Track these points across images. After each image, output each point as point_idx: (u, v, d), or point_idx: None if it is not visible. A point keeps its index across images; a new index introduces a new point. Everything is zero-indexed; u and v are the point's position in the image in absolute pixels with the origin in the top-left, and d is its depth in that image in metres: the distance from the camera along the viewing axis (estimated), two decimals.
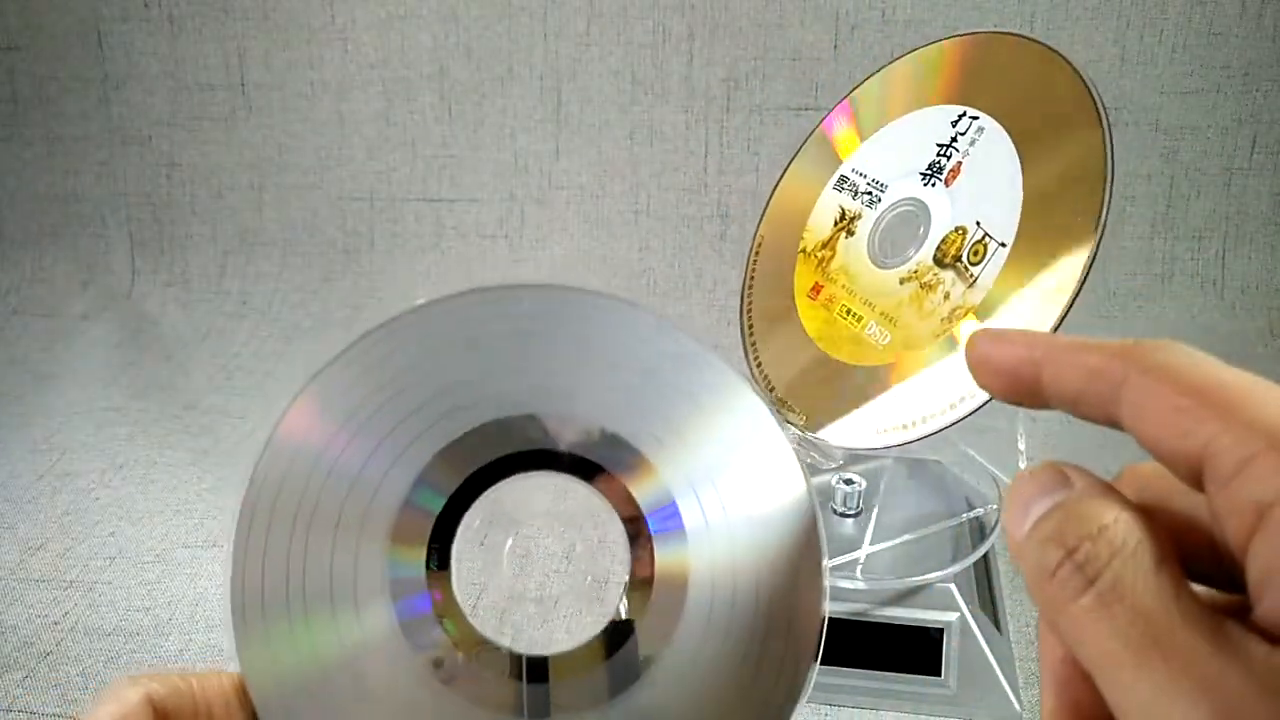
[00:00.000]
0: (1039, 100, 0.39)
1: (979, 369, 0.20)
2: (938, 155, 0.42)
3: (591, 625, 0.21)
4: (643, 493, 0.22)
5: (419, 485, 0.22)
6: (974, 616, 0.42)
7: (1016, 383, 0.20)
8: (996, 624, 0.45)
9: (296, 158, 0.85)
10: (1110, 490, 0.18)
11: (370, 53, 0.83)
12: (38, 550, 0.55)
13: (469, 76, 0.83)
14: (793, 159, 0.48)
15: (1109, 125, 0.36)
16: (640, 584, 0.22)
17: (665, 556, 0.22)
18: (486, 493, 0.22)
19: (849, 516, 0.45)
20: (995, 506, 0.46)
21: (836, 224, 0.45)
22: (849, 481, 0.45)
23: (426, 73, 0.83)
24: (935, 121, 0.42)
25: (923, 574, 0.41)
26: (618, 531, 0.22)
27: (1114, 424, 0.18)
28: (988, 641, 0.42)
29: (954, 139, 0.41)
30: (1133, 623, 0.16)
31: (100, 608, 0.50)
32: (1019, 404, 0.20)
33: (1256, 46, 0.74)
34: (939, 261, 0.40)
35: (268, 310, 0.84)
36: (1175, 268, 0.77)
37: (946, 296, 0.39)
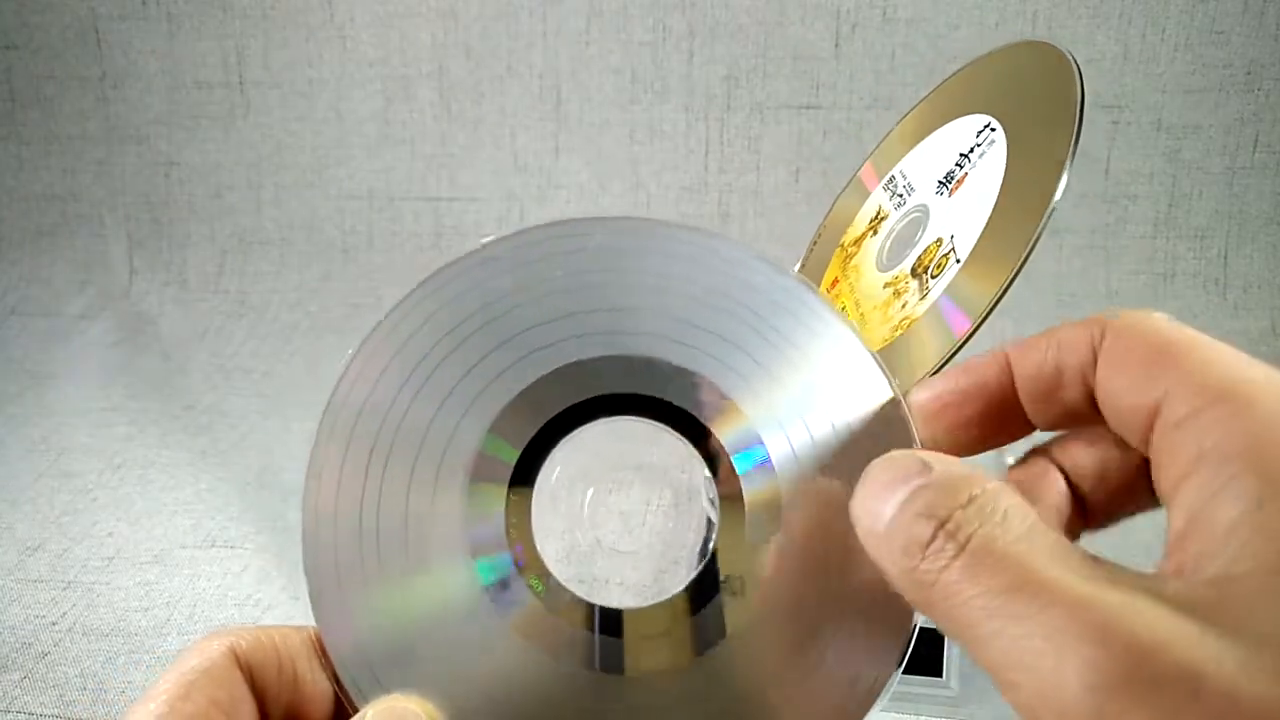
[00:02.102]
0: (1037, 115, 0.39)
1: (938, 414, 0.20)
2: (955, 164, 0.42)
3: (674, 580, 0.21)
4: (728, 434, 0.21)
5: (493, 435, 0.21)
6: None
7: (984, 406, 0.20)
8: None
9: (295, 156, 0.85)
10: (974, 469, 0.18)
11: (369, 51, 0.83)
12: (36, 551, 0.55)
13: (468, 75, 0.82)
14: (874, 149, 0.48)
15: (1075, 151, 0.35)
16: (729, 527, 0.21)
17: (754, 497, 0.21)
18: (564, 441, 0.21)
19: None
20: None
21: (870, 222, 0.45)
22: None
23: (426, 71, 0.83)
24: (968, 129, 0.42)
25: None
26: (702, 477, 0.21)
27: (1090, 401, 0.19)
28: None
29: (973, 148, 0.41)
30: (1001, 572, 0.15)
31: (98, 608, 0.50)
32: (981, 443, 0.20)
33: (1259, 45, 0.74)
34: (913, 270, 0.40)
35: (266, 309, 0.84)
36: (1177, 267, 0.77)
37: (904, 305, 0.39)
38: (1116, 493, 0.20)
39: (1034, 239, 0.34)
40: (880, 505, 0.18)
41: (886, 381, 0.21)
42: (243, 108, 0.85)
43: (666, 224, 0.22)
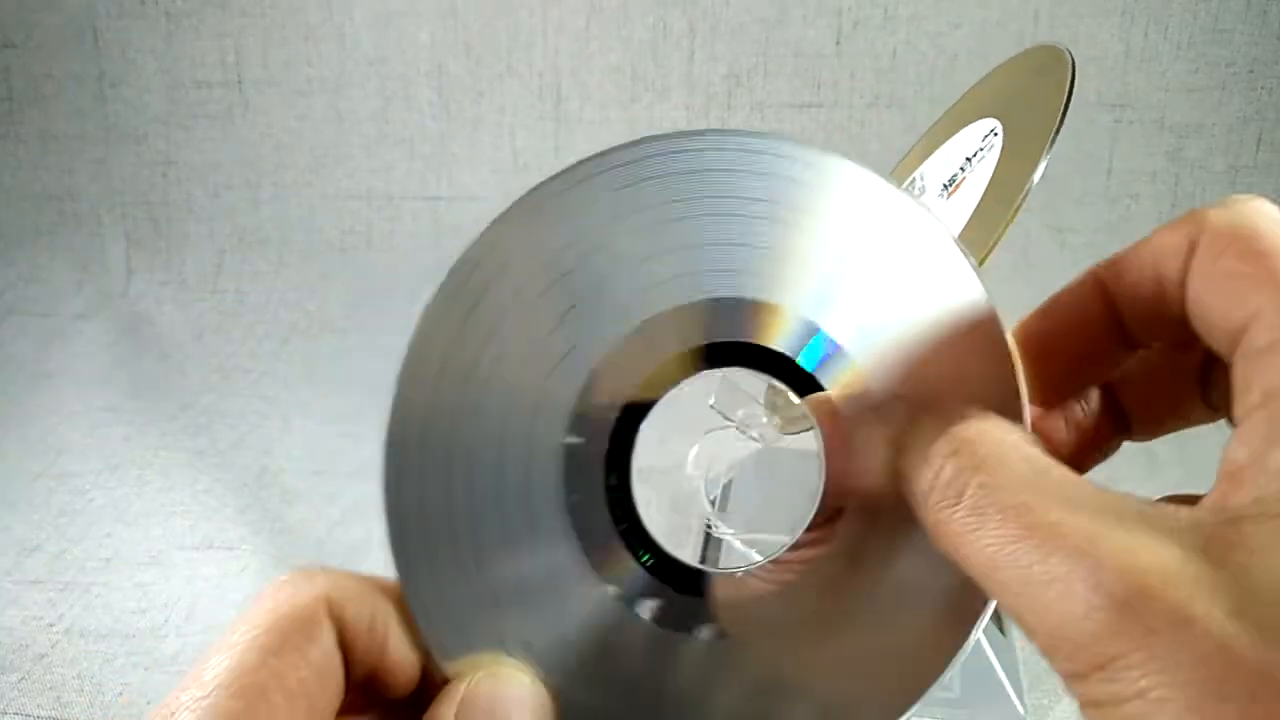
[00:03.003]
0: (1032, 113, 0.39)
1: (1042, 360, 0.19)
2: (959, 168, 0.42)
3: (774, 540, 0.20)
4: (776, 337, 0.19)
5: (586, 393, 0.19)
6: None
7: (1083, 337, 0.18)
8: (1001, 628, 0.45)
9: (293, 156, 0.85)
10: (982, 411, 0.17)
11: (368, 49, 0.83)
12: (33, 552, 0.55)
13: (468, 73, 0.82)
14: (907, 153, 0.47)
15: (1053, 140, 0.35)
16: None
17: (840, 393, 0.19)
18: (665, 395, 0.20)
19: None
20: None
21: None
22: None
23: (425, 70, 0.82)
24: (977, 134, 0.42)
25: None
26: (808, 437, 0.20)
27: (1194, 308, 0.17)
28: (992, 645, 0.41)
29: (977, 152, 0.41)
30: (1004, 520, 0.15)
31: (96, 610, 0.50)
32: (1098, 375, 0.18)
33: (1262, 43, 0.74)
34: None
35: (264, 309, 0.83)
36: None
37: None
38: (1164, 403, 0.19)
39: (1001, 229, 0.34)
40: (915, 463, 0.18)
41: (966, 261, 0.19)
42: (241, 107, 0.85)
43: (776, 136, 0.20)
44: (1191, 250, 0.17)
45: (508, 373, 0.19)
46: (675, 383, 0.20)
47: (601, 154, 0.21)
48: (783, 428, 0.41)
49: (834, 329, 0.19)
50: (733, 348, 0.20)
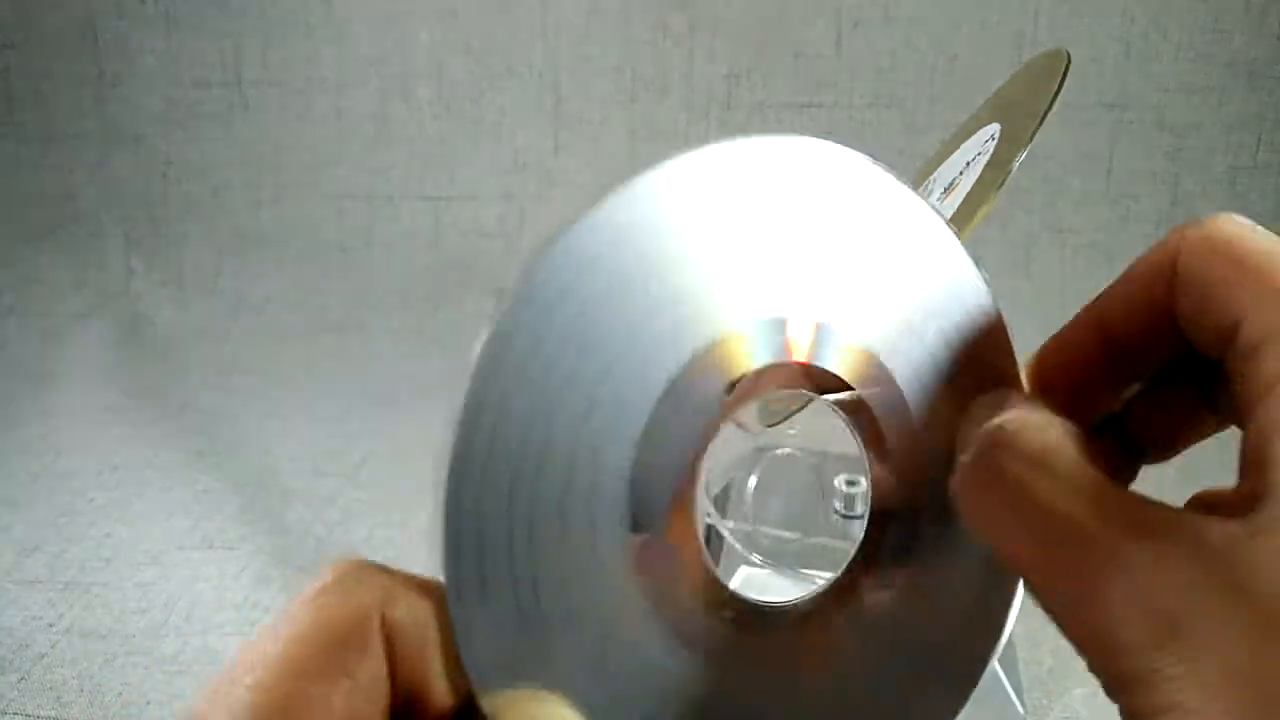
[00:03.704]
0: (1027, 113, 0.39)
1: (1052, 373, 0.19)
2: (960, 172, 0.42)
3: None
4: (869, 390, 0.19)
5: (644, 442, 0.18)
6: None
7: (1088, 371, 0.19)
8: None
9: (293, 155, 0.85)
10: (1032, 402, 0.18)
11: (368, 49, 0.83)
12: (33, 552, 0.55)
13: (467, 73, 0.82)
14: (931, 156, 0.48)
15: (1035, 132, 0.35)
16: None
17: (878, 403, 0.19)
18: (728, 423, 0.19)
19: (853, 519, 0.44)
20: None
21: None
22: (851, 483, 0.44)
23: (424, 69, 0.82)
24: (981, 137, 0.42)
25: None
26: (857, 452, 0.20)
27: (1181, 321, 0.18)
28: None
29: (976, 156, 0.41)
30: (1039, 521, 0.16)
31: (96, 610, 0.50)
32: (1109, 404, 0.19)
33: (1261, 44, 0.74)
34: None
35: (264, 309, 0.83)
36: None
37: None
38: (1172, 421, 0.19)
39: (975, 213, 0.34)
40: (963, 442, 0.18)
41: (976, 270, 0.19)
42: (241, 107, 0.85)
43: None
44: (1174, 269, 0.17)
45: (568, 421, 0.18)
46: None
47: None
48: (766, 419, 0.41)
49: (842, 325, 0.19)
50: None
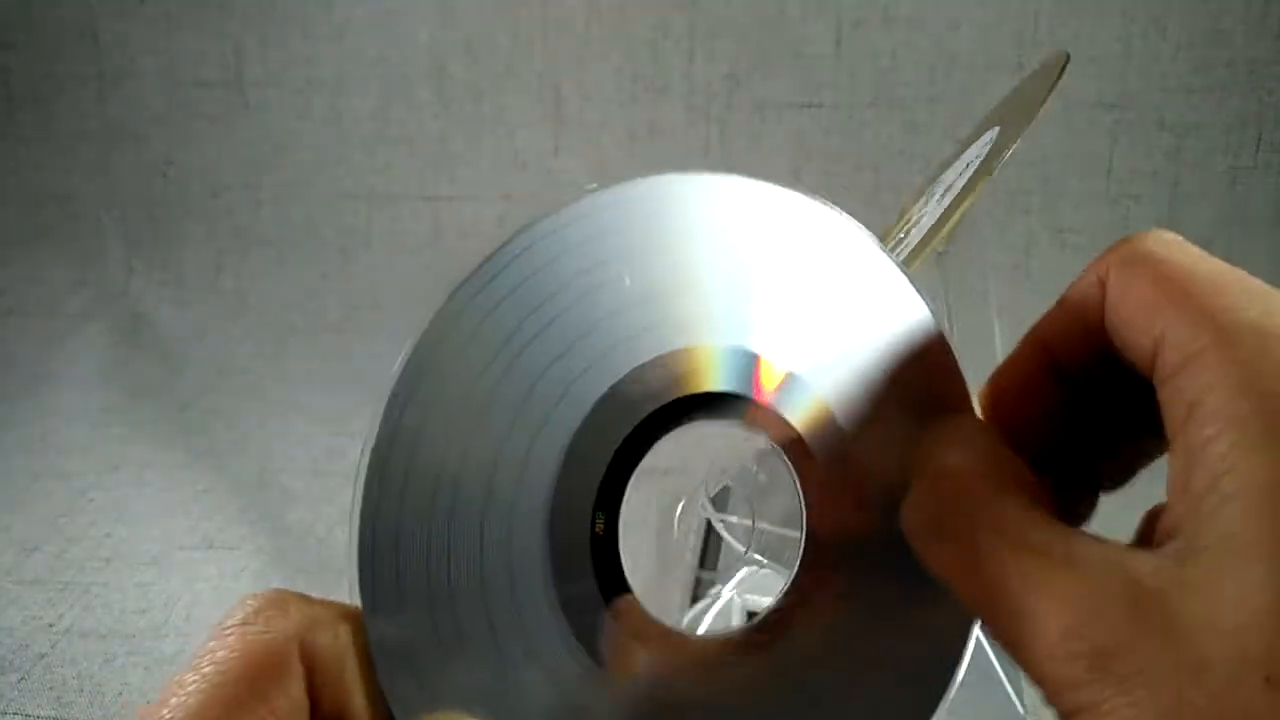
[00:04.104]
0: (1024, 114, 0.39)
1: (1000, 401, 0.19)
2: (959, 174, 0.42)
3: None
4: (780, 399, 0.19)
5: (569, 457, 0.19)
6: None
7: (1037, 396, 0.19)
8: None
9: (293, 155, 0.85)
10: (974, 436, 0.18)
11: (368, 49, 0.83)
12: (33, 552, 0.55)
13: (467, 73, 0.82)
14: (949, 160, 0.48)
15: (1025, 127, 0.35)
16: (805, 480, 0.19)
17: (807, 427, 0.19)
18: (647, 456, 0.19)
19: None
20: None
21: (900, 223, 0.45)
22: None
23: (424, 69, 0.82)
24: (983, 141, 0.42)
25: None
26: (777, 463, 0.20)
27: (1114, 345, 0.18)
28: (991, 643, 0.41)
29: (976, 158, 0.41)
30: (974, 555, 0.16)
31: (96, 610, 0.50)
32: (1066, 433, 0.19)
33: (1260, 44, 0.73)
34: None
35: (264, 309, 0.83)
36: None
37: None
38: (1120, 444, 0.19)
39: (959, 205, 0.34)
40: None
41: (918, 296, 0.19)
42: (241, 106, 0.85)
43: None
44: (1103, 287, 0.17)
45: (489, 441, 0.19)
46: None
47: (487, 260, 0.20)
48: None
49: (776, 356, 0.19)
50: (678, 405, 0.19)
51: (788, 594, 0.19)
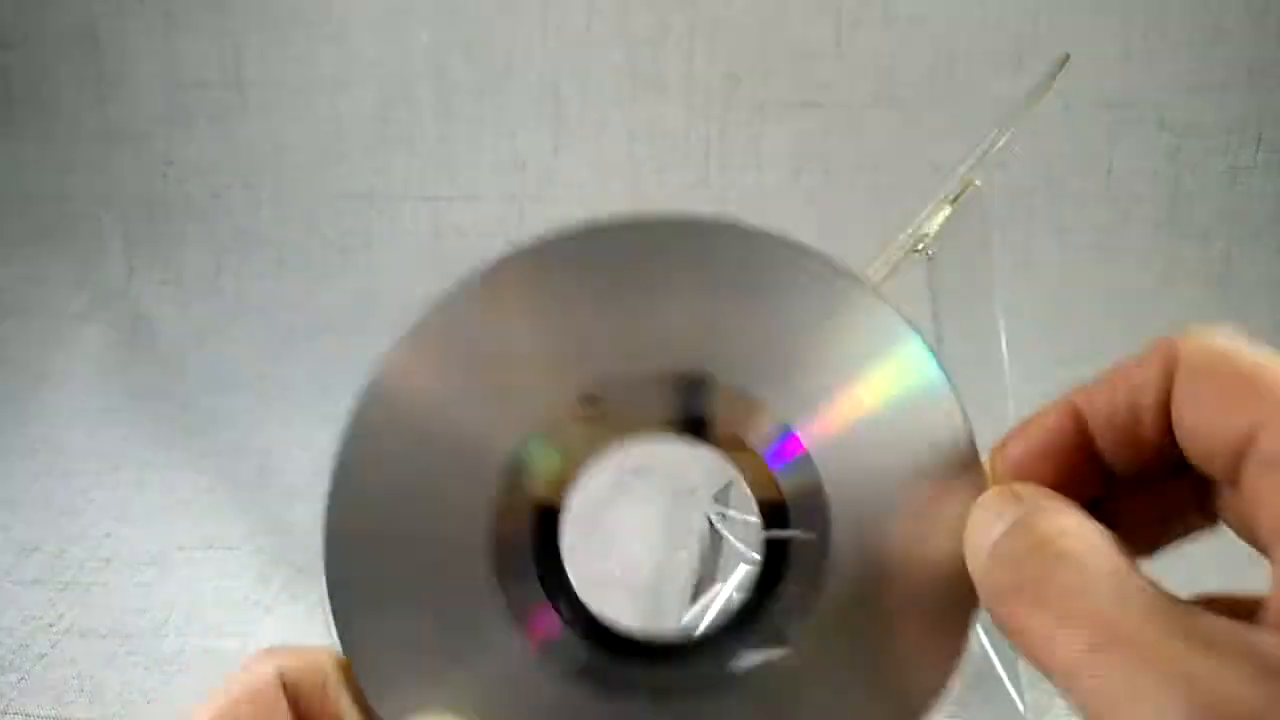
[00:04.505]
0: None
1: (1015, 467, 0.19)
2: (959, 176, 0.41)
3: (719, 600, 0.20)
4: (754, 431, 0.20)
5: (520, 453, 0.20)
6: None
7: (1066, 464, 0.19)
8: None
9: (293, 155, 0.85)
10: (1063, 503, 0.17)
11: (368, 49, 0.83)
12: (33, 552, 0.55)
13: (467, 73, 0.82)
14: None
15: (1012, 123, 0.35)
16: (773, 541, 0.20)
17: (793, 489, 0.20)
18: (591, 466, 0.20)
19: None
20: None
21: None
22: None
23: (424, 69, 0.82)
24: (984, 145, 0.42)
25: None
26: (743, 495, 0.20)
27: (1169, 437, 0.18)
28: (992, 645, 0.41)
29: (975, 159, 0.41)
30: (1092, 627, 0.15)
31: (96, 610, 0.50)
32: (1074, 498, 0.19)
33: (1261, 44, 0.74)
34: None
35: (264, 309, 0.83)
36: (1179, 266, 0.77)
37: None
38: (1159, 522, 0.19)
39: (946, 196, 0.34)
40: (978, 542, 0.18)
41: (941, 373, 0.20)
42: (240, 107, 0.85)
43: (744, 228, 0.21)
44: (1168, 379, 0.17)
45: (450, 433, 0.20)
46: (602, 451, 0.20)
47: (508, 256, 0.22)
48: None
49: (803, 432, 0.20)
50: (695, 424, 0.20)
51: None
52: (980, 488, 0.19)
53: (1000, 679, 0.42)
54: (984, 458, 0.20)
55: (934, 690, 0.19)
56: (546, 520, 0.20)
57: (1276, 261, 0.76)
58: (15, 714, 0.44)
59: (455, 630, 0.20)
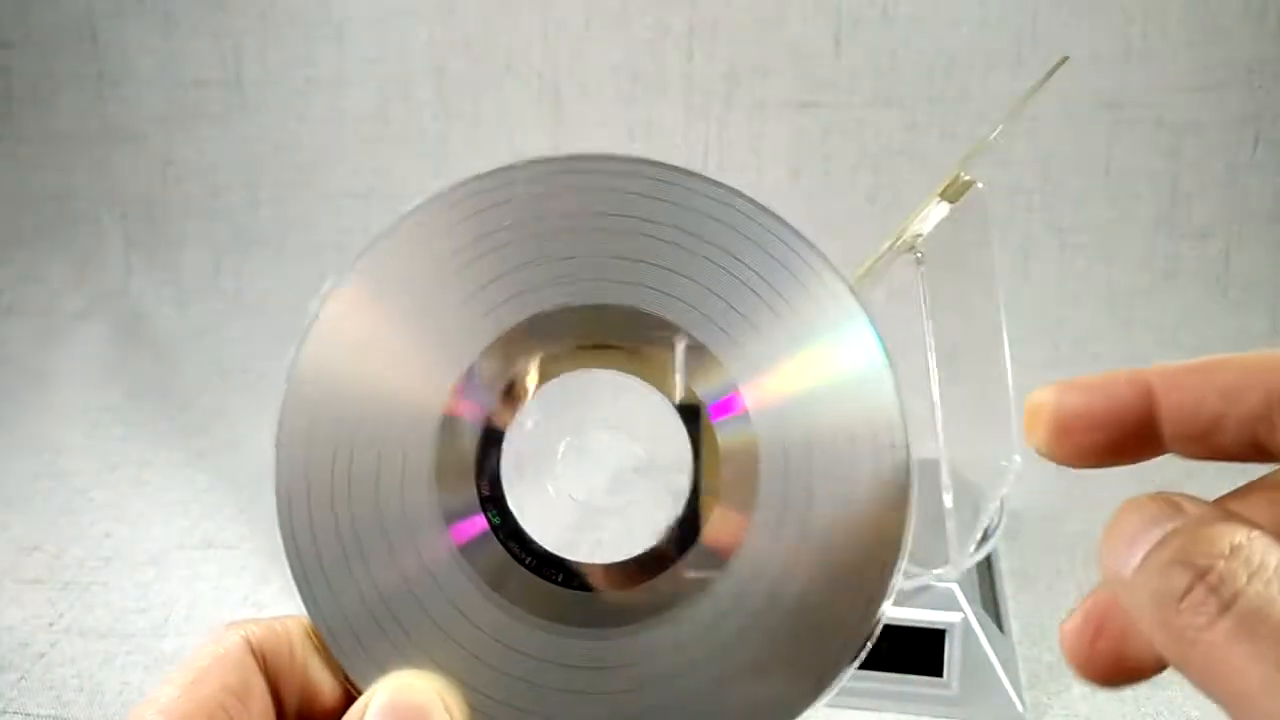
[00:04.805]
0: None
1: (1066, 430, 0.18)
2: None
3: (646, 534, 0.21)
4: (704, 385, 0.21)
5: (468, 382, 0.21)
6: (977, 617, 0.41)
7: (1118, 433, 0.18)
8: (999, 624, 0.45)
9: (293, 155, 0.85)
10: (1233, 514, 0.16)
11: (367, 49, 0.83)
12: (32, 551, 0.55)
13: (467, 73, 0.82)
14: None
15: (1005, 121, 0.35)
16: (707, 482, 0.21)
17: (729, 449, 0.21)
18: (536, 392, 0.21)
19: None
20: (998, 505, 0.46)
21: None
22: None
23: (424, 69, 0.82)
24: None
25: (924, 574, 0.41)
26: (676, 426, 0.21)
27: (1254, 448, 0.17)
28: (990, 642, 0.41)
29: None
30: None
31: (95, 609, 0.50)
32: (1104, 463, 0.19)
33: (1259, 43, 0.74)
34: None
35: (263, 309, 0.83)
36: (1178, 265, 0.77)
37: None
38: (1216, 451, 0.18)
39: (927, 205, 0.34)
40: (1129, 549, 0.16)
41: (879, 347, 0.21)
42: (240, 106, 0.85)
43: (688, 173, 0.23)
44: (1271, 399, 0.17)
45: (386, 379, 0.22)
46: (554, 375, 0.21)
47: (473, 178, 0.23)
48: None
49: (748, 394, 0.21)
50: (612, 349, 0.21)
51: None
52: (903, 470, 0.20)
53: (999, 678, 0.42)
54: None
55: (849, 643, 0.20)
56: (490, 440, 0.21)
57: (1275, 261, 0.76)
58: (15, 713, 0.44)
59: (393, 535, 0.20)
